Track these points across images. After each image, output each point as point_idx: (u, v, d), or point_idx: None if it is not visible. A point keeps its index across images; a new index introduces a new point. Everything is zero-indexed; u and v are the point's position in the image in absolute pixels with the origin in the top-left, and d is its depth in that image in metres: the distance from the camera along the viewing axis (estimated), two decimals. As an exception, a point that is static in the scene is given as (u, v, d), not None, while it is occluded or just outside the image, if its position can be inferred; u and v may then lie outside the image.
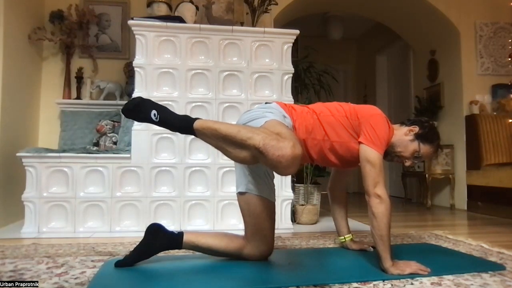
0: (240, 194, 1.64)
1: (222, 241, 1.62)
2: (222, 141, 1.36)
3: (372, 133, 1.57)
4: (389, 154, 1.69)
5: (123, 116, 3.05)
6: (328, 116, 1.65)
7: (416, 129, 1.67)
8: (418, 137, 1.66)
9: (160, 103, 1.48)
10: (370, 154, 1.55)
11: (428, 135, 1.67)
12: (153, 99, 2.73)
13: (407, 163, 1.70)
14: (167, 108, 1.46)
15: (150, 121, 1.43)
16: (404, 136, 1.68)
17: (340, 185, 1.95)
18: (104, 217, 2.55)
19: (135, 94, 2.60)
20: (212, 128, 1.36)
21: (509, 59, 4.02)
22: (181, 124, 1.42)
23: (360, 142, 1.59)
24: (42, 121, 3.38)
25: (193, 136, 1.44)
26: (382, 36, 5.63)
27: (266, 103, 1.70)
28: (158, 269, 1.53)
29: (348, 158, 1.68)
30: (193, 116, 1.44)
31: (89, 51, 3.46)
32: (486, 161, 3.70)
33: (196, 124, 1.39)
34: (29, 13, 3.14)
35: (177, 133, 1.48)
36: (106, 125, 3.03)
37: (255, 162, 1.36)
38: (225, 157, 2.61)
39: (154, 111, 1.42)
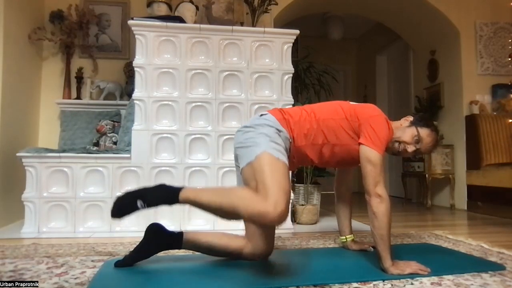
0: None
1: (222, 240, 1.63)
2: (208, 211, 1.46)
3: (372, 134, 1.58)
4: (389, 148, 1.69)
5: (123, 116, 3.07)
6: (328, 120, 1.64)
7: (410, 118, 1.75)
8: (413, 123, 1.72)
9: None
10: (371, 154, 1.55)
11: (423, 119, 1.73)
12: (153, 99, 2.75)
13: (410, 149, 1.68)
14: (147, 188, 1.50)
15: (138, 209, 1.49)
16: (400, 126, 1.73)
17: (346, 184, 1.95)
18: (104, 217, 2.55)
19: (135, 94, 2.61)
20: (194, 202, 1.45)
21: (509, 59, 4.03)
22: (167, 200, 1.47)
23: (360, 143, 1.60)
24: (42, 121, 3.38)
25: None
26: (382, 36, 5.63)
27: (261, 115, 1.65)
28: (158, 269, 1.53)
29: (348, 159, 1.69)
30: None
31: (89, 51, 3.46)
32: (486, 161, 3.70)
33: (180, 198, 1.45)
34: (29, 13, 3.14)
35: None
36: (106, 125, 3.03)
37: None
38: (225, 157, 2.64)
39: (139, 201, 1.47)
